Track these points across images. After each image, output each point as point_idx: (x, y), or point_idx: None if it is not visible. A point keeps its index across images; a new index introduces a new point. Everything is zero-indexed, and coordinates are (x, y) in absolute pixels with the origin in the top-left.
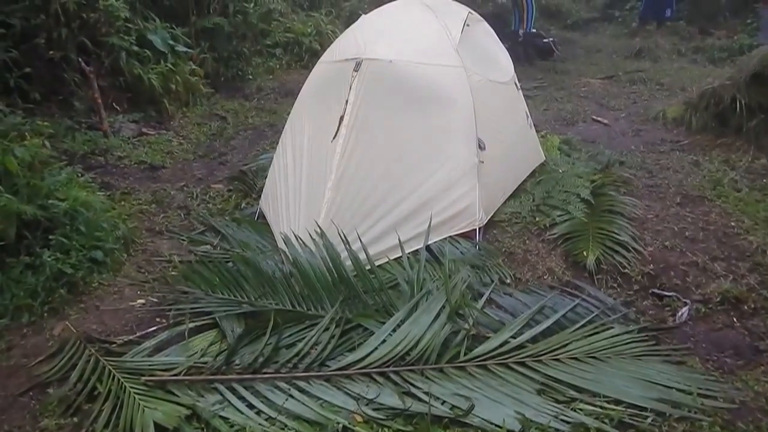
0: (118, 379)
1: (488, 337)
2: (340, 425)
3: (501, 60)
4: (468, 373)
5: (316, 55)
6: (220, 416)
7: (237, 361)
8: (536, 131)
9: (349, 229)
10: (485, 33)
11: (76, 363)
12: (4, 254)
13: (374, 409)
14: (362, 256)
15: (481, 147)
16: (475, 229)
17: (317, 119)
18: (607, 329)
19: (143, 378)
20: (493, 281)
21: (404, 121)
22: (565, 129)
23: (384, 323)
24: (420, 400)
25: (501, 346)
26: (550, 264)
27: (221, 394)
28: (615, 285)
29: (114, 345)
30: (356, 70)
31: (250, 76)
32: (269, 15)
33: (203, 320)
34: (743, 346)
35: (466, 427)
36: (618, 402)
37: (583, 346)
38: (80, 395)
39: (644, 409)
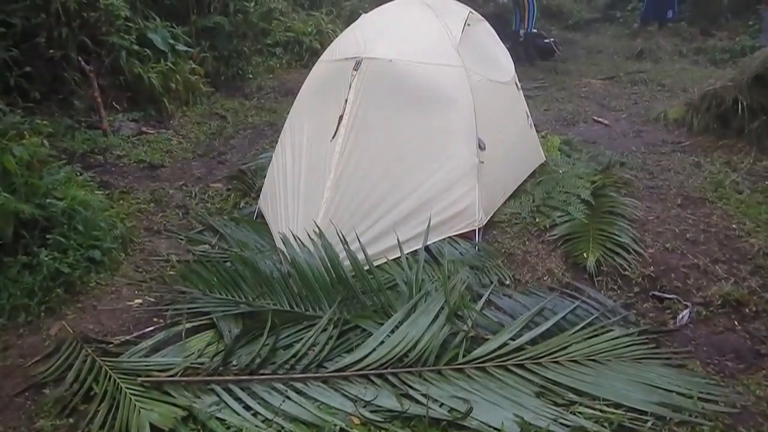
0: (115, 380)
1: (487, 339)
2: (338, 427)
3: (502, 60)
4: (466, 375)
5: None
6: (217, 418)
7: (234, 362)
8: (537, 131)
9: (347, 229)
10: (486, 33)
11: (73, 363)
12: (1, 253)
13: (372, 411)
14: (361, 256)
15: (481, 147)
16: (475, 230)
17: (316, 118)
18: (607, 332)
19: (140, 379)
20: (492, 282)
21: (404, 121)
22: (566, 129)
23: (382, 324)
24: (418, 402)
25: (500, 348)
26: (549, 265)
27: (218, 396)
28: (615, 287)
29: (111, 345)
30: (356, 69)
31: (251, 75)
32: (270, 14)
33: (200, 320)
34: (744, 350)
35: (464, 429)
36: (618, 405)
37: (583, 349)
38: (76, 396)
39: (644, 412)
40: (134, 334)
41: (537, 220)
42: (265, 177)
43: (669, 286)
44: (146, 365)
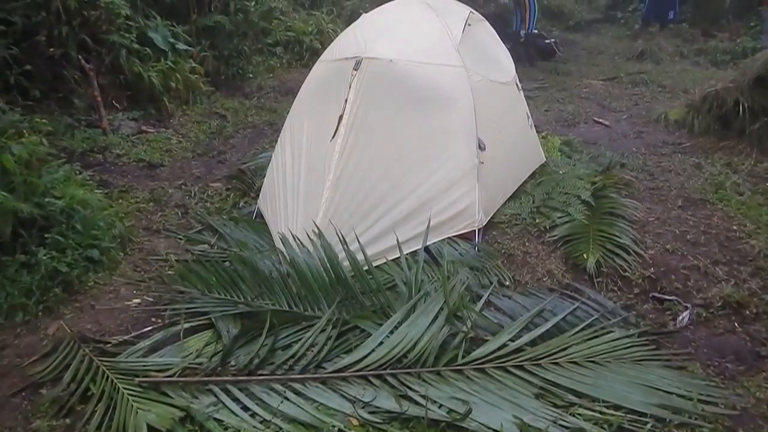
0: (112, 380)
1: (486, 340)
2: (336, 428)
3: (502, 60)
4: (466, 376)
5: (316, 54)
6: (215, 418)
7: (232, 363)
8: (537, 132)
9: (347, 229)
10: (486, 33)
11: (70, 363)
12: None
13: (370, 413)
14: (360, 256)
15: (481, 147)
16: (475, 231)
17: (316, 118)
18: (607, 333)
19: (137, 379)
20: (492, 283)
21: (404, 121)
22: (566, 130)
23: (381, 325)
24: (417, 403)
25: (499, 349)
26: (549, 266)
27: (216, 396)
28: (615, 288)
29: (109, 345)
30: (356, 69)
31: (251, 75)
32: (270, 13)
33: (199, 320)
34: (744, 352)
35: (463, 431)
36: (617, 407)
37: (583, 350)
38: (73, 396)
39: (644, 414)
40: (132, 334)
41: (537, 220)
42: (264, 177)
43: (669, 288)
44: (144, 365)
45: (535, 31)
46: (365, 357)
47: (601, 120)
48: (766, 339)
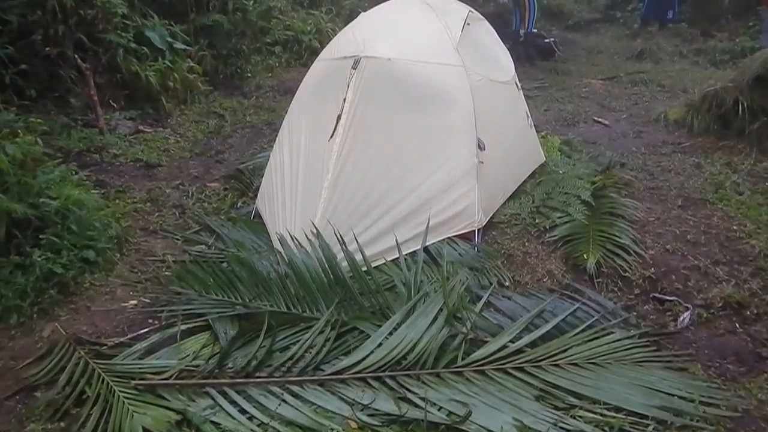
0: (108, 383)
1: (486, 342)
2: (334, 431)
3: (502, 59)
4: (465, 378)
5: (315, 53)
6: (211, 421)
7: (230, 365)
8: (537, 132)
9: (345, 230)
10: (486, 32)
11: (65, 366)
12: None
13: (369, 415)
14: (359, 257)
15: (480, 147)
16: (474, 231)
17: (315, 117)
18: (608, 334)
19: (133, 382)
20: (491, 284)
21: (403, 121)
22: (566, 130)
23: (380, 326)
24: (416, 405)
25: (499, 350)
26: (549, 267)
27: (213, 399)
28: (615, 289)
29: (104, 347)
30: (354, 67)
31: (249, 74)
32: (269, 12)
33: (196, 322)
34: (746, 353)
35: None
36: (618, 409)
37: (583, 352)
38: (68, 399)
39: (645, 416)
40: (128, 336)
41: (537, 221)
42: (262, 176)
43: (670, 288)
44: (140, 368)
45: (535, 31)
46: (364, 359)
47: (600, 119)
48: (767, 340)
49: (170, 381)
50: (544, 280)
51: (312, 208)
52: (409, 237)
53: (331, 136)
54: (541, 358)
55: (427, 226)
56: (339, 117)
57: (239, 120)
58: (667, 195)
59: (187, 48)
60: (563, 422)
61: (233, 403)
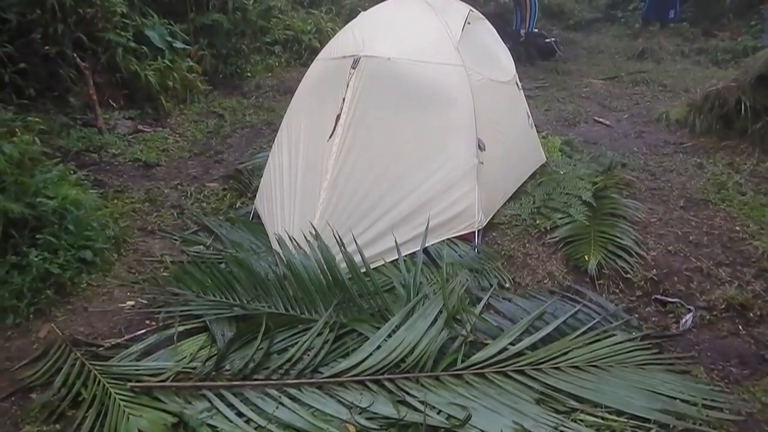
0: (104, 385)
1: (486, 344)
2: None
3: (502, 59)
4: (465, 381)
5: (315, 53)
6: (208, 424)
7: (227, 367)
8: (537, 132)
9: (344, 231)
10: (486, 32)
11: (61, 367)
12: None
13: (367, 418)
14: (358, 258)
15: (480, 147)
16: (474, 232)
17: (314, 117)
18: (609, 336)
19: (129, 384)
20: (491, 285)
21: (403, 121)
22: (567, 130)
23: (379, 328)
24: (415, 409)
25: (499, 353)
26: (550, 268)
27: (209, 401)
28: (617, 290)
29: (101, 348)
30: (354, 67)
31: (249, 74)
32: (269, 12)
33: (193, 323)
34: (749, 355)
35: None
36: (620, 413)
37: (584, 354)
38: (64, 401)
39: (647, 420)
40: (125, 337)
41: (537, 221)
42: (261, 177)
43: (672, 290)
44: (136, 369)
45: (536, 30)
46: (362, 361)
47: (601, 120)
48: None
49: (167, 383)
50: (545, 281)
51: (311, 209)
52: (409, 238)
53: (330, 136)
54: (542, 360)
55: (427, 227)
56: (338, 117)
57: (239, 120)
58: (668, 196)
59: (187, 47)
60: (564, 426)
61: (230, 405)
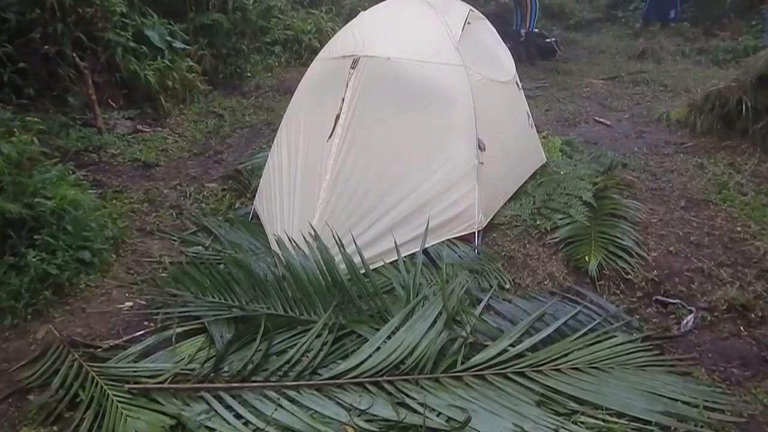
0: (101, 386)
1: (486, 346)
2: None
3: (502, 59)
4: (465, 383)
5: (315, 53)
6: (206, 426)
7: (225, 369)
8: (538, 132)
9: (344, 231)
10: (487, 31)
11: (59, 368)
12: None
13: (367, 421)
14: (357, 259)
15: (480, 148)
16: (474, 233)
17: (313, 117)
18: (610, 338)
19: (127, 385)
20: (491, 287)
21: (402, 121)
22: (567, 130)
23: (378, 330)
24: (414, 411)
25: (499, 354)
26: (550, 269)
27: (208, 403)
28: (618, 291)
29: (99, 350)
30: (353, 67)
31: (249, 74)
32: (269, 12)
33: (192, 324)
34: (751, 357)
35: None
36: (621, 415)
37: (585, 356)
38: (62, 402)
39: (648, 422)
40: (123, 339)
41: (538, 222)
42: (261, 177)
43: (673, 291)
44: (134, 371)
45: (536, 30)
46: (362, 363)
47: (602, 120)
48: None
49: (165, 385)
50: (545, 282)
51: (310, 210)
52: (409, 239)
53: (330, 137)
54: (542, 362)
55: (427, 228)
56: (337, 117)
57: (238, 120)
58: (669, 196)
59: (187, 47)
60: (564, 428)
61: (228, 407)
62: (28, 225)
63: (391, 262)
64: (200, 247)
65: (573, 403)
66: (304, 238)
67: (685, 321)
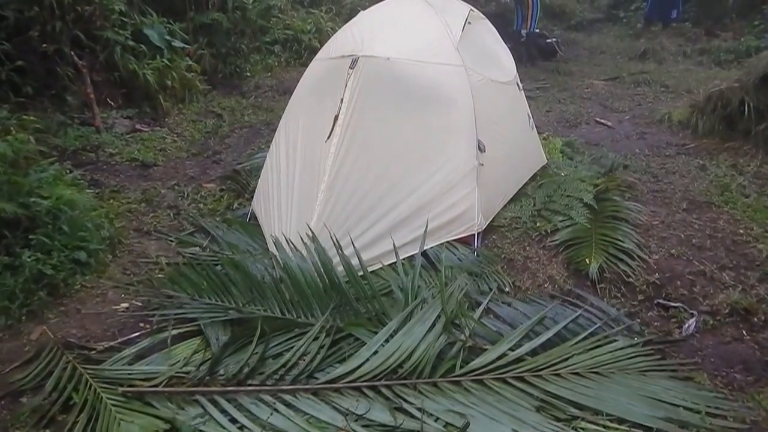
0: (95, 389)
1: (485, 350)
2: None
3: (503, 60)
4: (463, 388)
5: (315, 53)
6: (201, 431)
7: (221, 372)
8: (538, 133)
9: (342, 233)
10: (487, 31)
11: (53, 370)
12: None
13: (364, 426)
14: (355, 261)
15: (480, 149)
16: (474, 235)
17: (311, 118)
18: (611, 342)
19: (121, 389)
20: (491, 289)
21: (402, 121)
22: (568, 131)
23: (376, 333)
24: (412, 416)
25: (498, 359)
26: (551, 272)
27: (202, 407)
28: (619, 295)
29: (93, 351)
30: (352, 67)
31: (248, 74)
32: (268, 11)
33: (188, 326)
34: (753, 361)
35: None
36: (622, 420)
37: (585, 360)
38: (55, 405)
39: (650, 428)
40: (119, 340)
41: (538, 224)
42: (259, 177)
43: (674, 294)
44: (129, 374)
45: (537, 31)
46: (359, 367)
47: (603, 121)
48: None
49: (159, 388)
50: (545, 285)
51: (308, 211)
52: (407, 241)
53: (328, 137)
54: (542, 366)
55: (426, 230)
56: (336, 117)
57: (237, 120)
58: (671, 198)
59: (186, 46)
60: None
61: (224, 411)
62: (23, 225)
63: (390, 265)
64: (197, 248)
65: (573, 409)
66: (302, 239)
67: (686, 325)
